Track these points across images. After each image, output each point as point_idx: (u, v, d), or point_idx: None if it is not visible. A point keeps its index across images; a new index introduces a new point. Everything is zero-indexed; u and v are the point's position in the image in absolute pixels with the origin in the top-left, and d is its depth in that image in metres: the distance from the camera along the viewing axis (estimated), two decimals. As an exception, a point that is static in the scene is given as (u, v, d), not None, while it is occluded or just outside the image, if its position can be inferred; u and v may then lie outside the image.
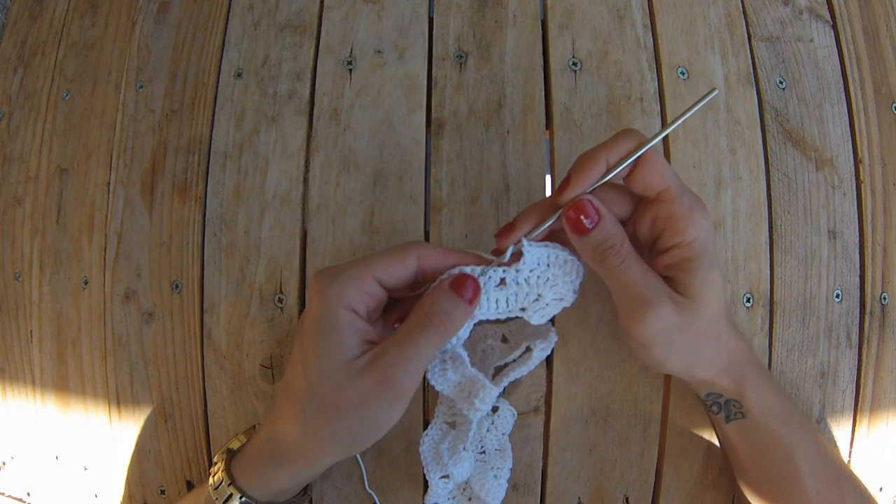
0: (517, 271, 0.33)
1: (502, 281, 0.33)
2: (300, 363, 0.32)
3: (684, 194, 0.32)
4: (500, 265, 0.32)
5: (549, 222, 0.32)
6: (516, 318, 0.35)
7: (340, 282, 0.31)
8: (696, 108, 0.31)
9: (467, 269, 0.32)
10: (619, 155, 0.31)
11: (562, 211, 0.32)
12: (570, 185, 0.31)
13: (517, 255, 0.33)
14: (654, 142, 0.31)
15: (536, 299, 0.34)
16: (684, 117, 0.32)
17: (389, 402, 0.31)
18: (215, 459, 0.36)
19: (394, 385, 0.30)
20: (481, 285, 0.32)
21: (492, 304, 0.33)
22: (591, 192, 0.32)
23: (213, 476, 0.35)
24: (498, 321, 0.38)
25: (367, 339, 0.31)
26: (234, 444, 0.37)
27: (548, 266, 0.33)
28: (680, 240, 0.31)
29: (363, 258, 0.32)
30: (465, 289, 0.31)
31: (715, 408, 0.37)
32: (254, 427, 0.39)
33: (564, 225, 0.32)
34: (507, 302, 0.33)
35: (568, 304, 0.34)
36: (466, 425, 0.36)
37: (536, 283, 0.33)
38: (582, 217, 0.31)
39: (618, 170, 0.31)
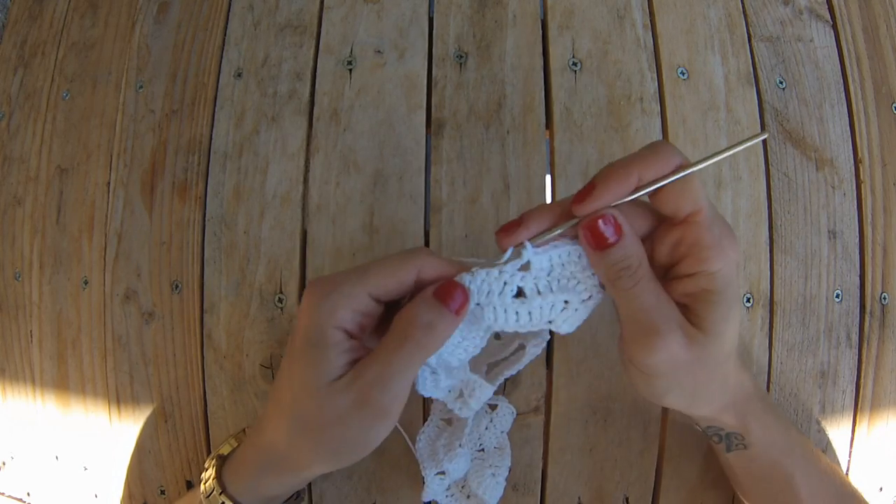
0: (535, 280, 0.29)
1: (520, 292, 0.30)
2: (287, 376, 0.31)
3: (715, 221, 0.29)
4: (494, 266, 0.29)
5: (560, 229, 0.29)
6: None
7: (332, 300, 0.29)
8: (748, 144, 0.29)
9: (456, 277, 0.29)
10: (653, 174, 0.28)
11: (579, 220, 0.29)
12: (593, 195, 0.28)
13: (516, 256, 0.30)
14: (696, 168, 0.28)
15: (564, 307, 0.30)
16: (734, 150, 0.29)
17: (370, 421, 0.29)
18: (206, 465, 0.35)
19: (372, 405, 0.29)
20: (471, 293, 0.29)
21: (510, 316, 0.30)
22: (614, 206, 0.29)
23: (205, 483, 0.34)
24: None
25: (354, 359, 0.30)
26: (225, 450, 0.36)
27: (563, 265, 0.30)
28: (703, 268, 0.28)
29: (357, 270, 0.30)
30: (452, 298, 0.29)
31: (716, 438, 0.36)
32: (243, 431, 0.38)
33: (581, 235, 0.29)
34: (529, 315, 0.30)
35: (598, 302, 0.31)
36: (463, 422, 0.36)
37: (560, 289, 0.30)
38: (602, 230, 0.28)
39: (649, 189, 0.28)
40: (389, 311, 0.32)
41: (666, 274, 0.31)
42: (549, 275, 0.30)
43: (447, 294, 0.29)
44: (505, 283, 0.29)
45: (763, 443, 0.35)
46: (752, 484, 0.37)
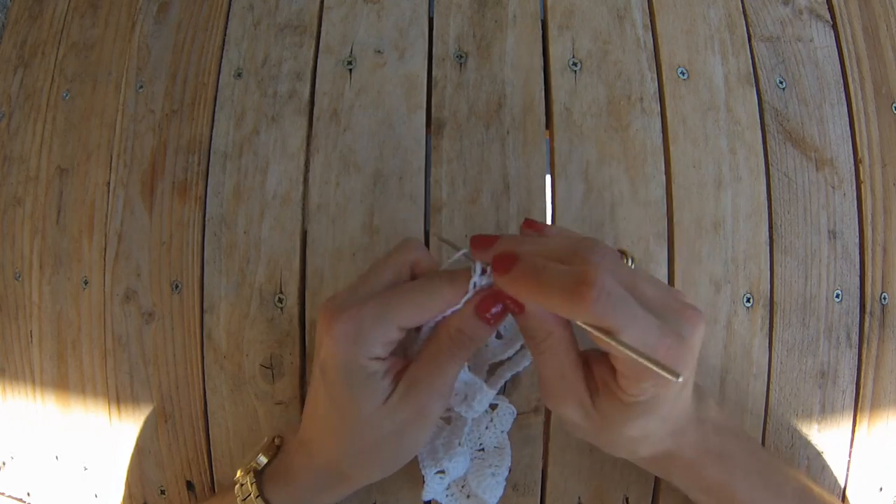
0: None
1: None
2: (334, 409, 0.32)
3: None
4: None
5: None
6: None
7: (364, 338, 0.30)
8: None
9: (474, 280, 0.31)
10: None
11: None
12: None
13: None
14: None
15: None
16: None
17: (427, 427, 0.32)
18: (239, 479, 0.35)
19: (430, 413, 0.32)
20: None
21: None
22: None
23: (243, 499, 0.34)
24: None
25: (395, 372, 0.32)
26: (259, 463, 0.36)
27: None
28: (620, 388, 0.29)
29: (383, 302, 0.30)
30: (490, 312, 0.30)
31: None
32: (272, 441, 0.37)
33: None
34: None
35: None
36: (461, 420, 0.36)
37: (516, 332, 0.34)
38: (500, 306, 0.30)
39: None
40: None
41: None
42: None
43: (486, 308, 0.31)
44: None
45: (685, 487, 0.36)
46: None
